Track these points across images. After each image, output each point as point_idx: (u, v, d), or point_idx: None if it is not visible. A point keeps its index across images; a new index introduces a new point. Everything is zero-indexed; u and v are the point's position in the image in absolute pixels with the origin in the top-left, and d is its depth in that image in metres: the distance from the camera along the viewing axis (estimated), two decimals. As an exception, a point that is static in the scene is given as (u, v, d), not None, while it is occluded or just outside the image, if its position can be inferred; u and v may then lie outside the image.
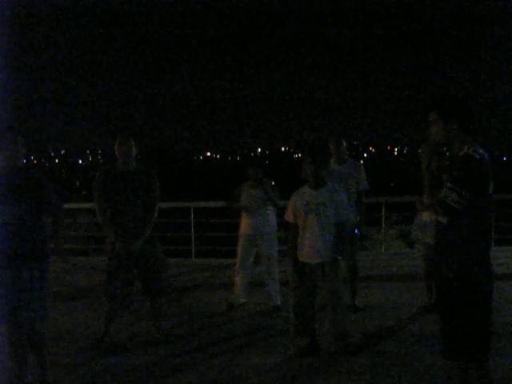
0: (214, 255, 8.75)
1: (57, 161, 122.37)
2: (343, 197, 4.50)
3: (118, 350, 4.75)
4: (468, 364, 3.02)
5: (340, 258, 4.43)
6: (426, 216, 5.15)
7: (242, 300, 5.99)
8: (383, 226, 9.28)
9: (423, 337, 4.79)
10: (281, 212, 5.29)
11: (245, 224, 5.95)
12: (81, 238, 11.77)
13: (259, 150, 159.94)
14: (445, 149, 3.11)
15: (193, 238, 8.52)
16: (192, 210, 8.42)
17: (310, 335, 4.50)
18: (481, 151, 2.88)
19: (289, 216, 4.55)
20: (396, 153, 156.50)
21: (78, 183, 71.99)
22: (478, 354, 3.02)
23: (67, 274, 7.68)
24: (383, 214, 8.88)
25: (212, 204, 9.08)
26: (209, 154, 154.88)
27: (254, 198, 5.87)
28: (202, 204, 9.30)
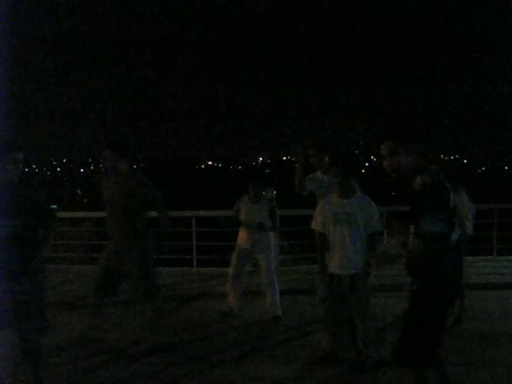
0: (215, 264, 8.74)
1: (58, 169, 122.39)
2: (374, 207, 4.36)
3: (118, 358, 4.75)
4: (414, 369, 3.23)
5: (371, 269, 4.33)
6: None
7: (237, 311, 5.96)
8: (385, 235, 9.26)
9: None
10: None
11: (243, 237, 5.93)
12: (83, 246, 11.76)
13: (260, 158, 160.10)
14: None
15: (194, 247, 8.52)
16: (193, 220, 8.42)
17: (337, 346, 4.38)
18: (433, 175, 3.02)
19: (316, 225, 4.41)
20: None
21: (79, 192, 71.93)
22: (419, 361, 3.18)
23: (70, 282, 7.70)
24: (384, 223, 8.87)
25: (214, 213, 9.09)
26: (210, 162, 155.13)
27: (253, 213, 5.85)
28: (204, 214, 9.31)
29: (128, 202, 4.81)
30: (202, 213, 9.13)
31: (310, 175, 5.51)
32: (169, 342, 5.11)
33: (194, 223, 8.43)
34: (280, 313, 5.87)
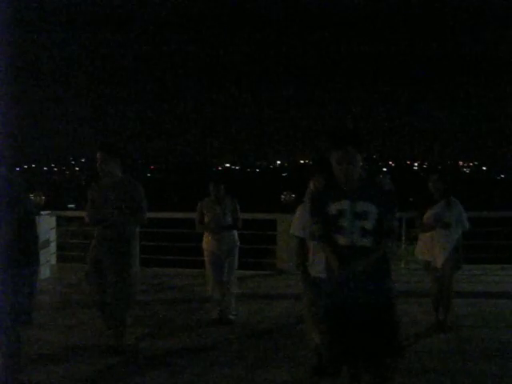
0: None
1: (77, 168, 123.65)
2: None
3: (129, 362, 4.74)
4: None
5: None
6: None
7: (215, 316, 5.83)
8: (403, 241, 9.12)
9: (440, 352, 4.76)
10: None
11: (208, 241, 5.81)
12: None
13: (278, 162, 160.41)
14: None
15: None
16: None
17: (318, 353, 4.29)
18: None
19: (296, 230, 4.31)
20: (416, 167, 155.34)
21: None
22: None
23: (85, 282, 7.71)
24: (403, 229, 8.73)
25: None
26: (228, 165, 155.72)
27: (216, 215, 5.72)
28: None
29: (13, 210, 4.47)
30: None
31: None
32: (181, 343, 5.12)
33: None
34: (233, 317, 5.77)
